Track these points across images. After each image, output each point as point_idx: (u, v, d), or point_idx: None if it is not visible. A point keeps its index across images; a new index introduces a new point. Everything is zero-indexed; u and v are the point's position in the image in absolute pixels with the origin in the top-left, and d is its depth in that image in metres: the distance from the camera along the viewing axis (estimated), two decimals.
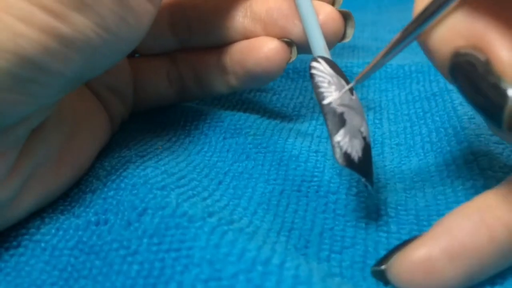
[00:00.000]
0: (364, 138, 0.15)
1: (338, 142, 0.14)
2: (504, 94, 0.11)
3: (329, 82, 0.16)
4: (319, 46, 0.18)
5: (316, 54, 0.18)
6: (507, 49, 0.11)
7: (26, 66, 0.12)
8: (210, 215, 0.14)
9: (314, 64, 0.16)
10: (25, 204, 0.16)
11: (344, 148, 0.14)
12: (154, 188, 0.16)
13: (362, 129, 0.15)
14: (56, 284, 0.14)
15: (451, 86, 0.24)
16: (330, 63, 0.16)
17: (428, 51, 0.13)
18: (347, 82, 0.16)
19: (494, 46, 0.11)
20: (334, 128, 0.14)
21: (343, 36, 0.19)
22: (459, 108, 0.21)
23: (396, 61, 0.28)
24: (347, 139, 0.14)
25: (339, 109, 0.15)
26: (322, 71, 0.16)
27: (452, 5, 0.12)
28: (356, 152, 0.14)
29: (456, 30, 0.12)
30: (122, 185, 0.16)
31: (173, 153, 0.20)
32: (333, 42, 0.19)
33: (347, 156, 0.14)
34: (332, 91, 0.15)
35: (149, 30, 0.21)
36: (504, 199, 0.13)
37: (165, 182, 0.16)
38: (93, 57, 0.14)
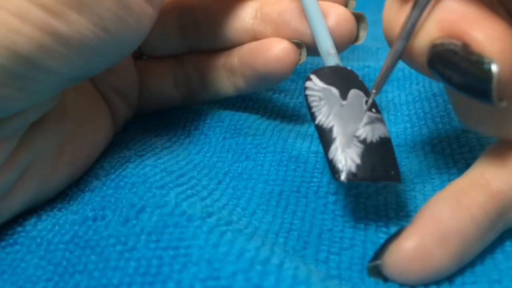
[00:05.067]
0: (363, 141, 0.15)
1: (331, 161, 0.14)
2: (488, 70, 0.11)
3: (319, 98, 0.15)
4: (326, 47, 0.17)
5: (322, 55, 0.17)
6: (481, 31, 0.12)
7: (21, 62, 0.12)
8: (209, 215, 0.14)
9: (307, 84, 0.16)
10: (21, 196, 0.15)
11: (337, 165, 0.14)
12: (153, 187, 0.16)
13: (359, 132, 0.15)
14: (51, 279, 0.14)
15: None
16: (323, 75, 0.16)
17: (408, 56, 0.14)
18: (347, 85, 0.16)
19: (468, 30, 0.12)
20: (325, 146, 0.15)
21: (356, 38, 0.19)
22: None
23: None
24: (338, 153, 0.14)
25: (329, 124, 0.15)
26: (313, 89, 0.16)
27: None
28: (352, 161, 0.14)
29: (429, 26, 0.13)
30: (121, 183, 0.16)
31: (172, 152, 0.19)
32: (345, 44, 0.18)
33: (339, 171, 0.14)
34: (321, 107, 0.15)
35: (157, 33, 0.21)
36: (474, 182, 0.14)
37: (164, 181, 0.16)
38: (91, 56, 0.14)
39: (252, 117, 0.22)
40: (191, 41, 0.21)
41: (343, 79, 0.16)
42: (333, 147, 0.14)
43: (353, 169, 0.14)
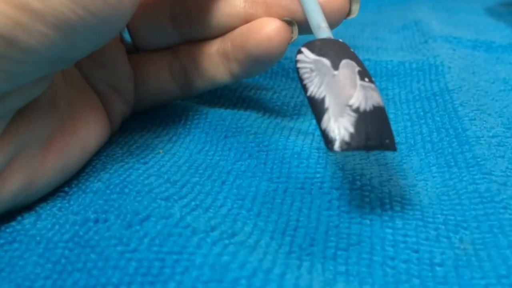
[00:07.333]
0: (357, 110, 0.14)
1: (324, 131, 0.14)
2: None
3: (311, 70, 0.15)
4: (316, 21, 0.17)
5: (313, 30, 0.17)
6: None
7: None
8: (213, 229, 0.14)
9: (298, 57, 0.16)
10: (10, 188, 0.15)
11: (330, 135, 0.14)
12: (158, 198, 0.16)
13: (352, 101, 0.14)
14: (50, 277, 0.14)
15: (451, 86, 0.24)
16: (315, 47, 0.16)
17: None
18: (338, 56, 0.15)
19: None
20: (317, 118, 0.14)
21: (348, 12, 0.19)
22: (459, 109, 0.21)
23: (397, 57, 0.28)
24: (331, 123, 0.14)
25: (321, 95, 0.14)
26: (304, 61, 0.15)
27: None
28: (345, 130, 0.14)
29: None
30: (126, 190, 0.16)
31: (174, 155, 0.19)
32: (338, 19, 0.18)
33: (333, 140, 0.14)
34: (313, 78, 0.15)
35: (150, 25, 0.21)
36: None
37: (168, 192, 0.16)
38: (72, 36, 0.14)
39: (253, 116, 0.22)
40: (184, 30, 0.21)
41: (334, 50, 0.16)
42: (325, 117, 0.14)
43: (347, 138, 0.14)
